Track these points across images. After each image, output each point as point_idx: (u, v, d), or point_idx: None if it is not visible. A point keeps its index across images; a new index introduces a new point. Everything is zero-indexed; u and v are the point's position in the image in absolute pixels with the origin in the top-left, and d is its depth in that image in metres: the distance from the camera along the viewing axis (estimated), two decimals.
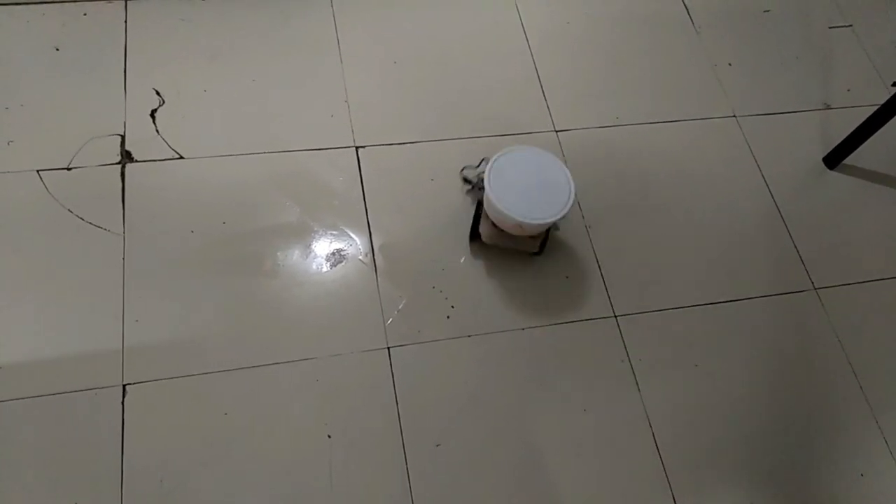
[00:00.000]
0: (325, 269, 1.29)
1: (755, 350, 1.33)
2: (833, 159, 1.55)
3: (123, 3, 1.49)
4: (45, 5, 1.46)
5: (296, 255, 1.29)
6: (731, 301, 1.37)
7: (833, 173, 1.55)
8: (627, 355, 1.29)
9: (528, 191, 1.22)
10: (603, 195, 1.44)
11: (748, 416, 1.27)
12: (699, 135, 1.55)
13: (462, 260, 1.32)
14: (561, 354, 1.27)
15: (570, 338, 1.29)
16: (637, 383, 1.27)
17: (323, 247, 1.31)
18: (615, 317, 1.32)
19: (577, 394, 1.24)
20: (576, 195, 1.22)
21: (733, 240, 1.44)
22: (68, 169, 1.30)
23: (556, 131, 1.49)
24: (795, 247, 1.45)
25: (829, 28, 1.77)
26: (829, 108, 1.64)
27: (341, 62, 1.51)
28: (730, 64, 1.66)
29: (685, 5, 1.74)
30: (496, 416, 1.20)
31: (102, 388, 1.13)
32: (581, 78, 1.58)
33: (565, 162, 1.26)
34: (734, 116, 1.59)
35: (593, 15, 1.68)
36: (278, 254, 1.29)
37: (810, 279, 1.42)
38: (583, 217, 1.40)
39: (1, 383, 1.12)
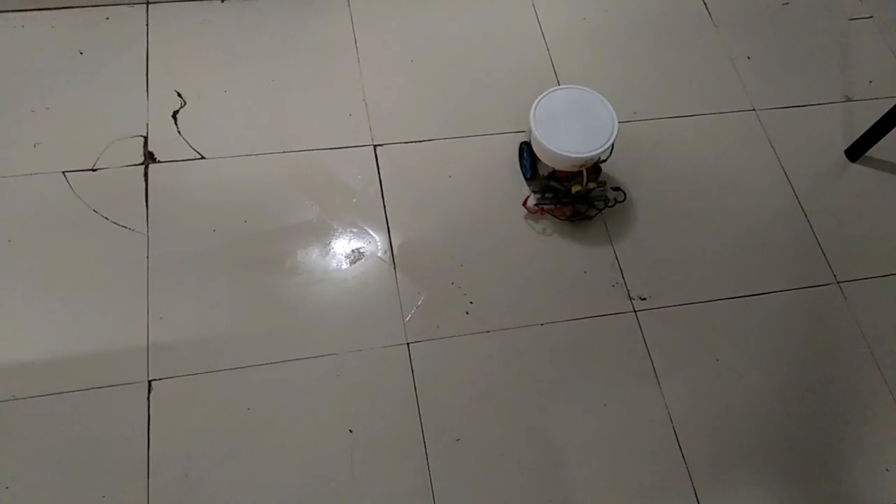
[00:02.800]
0: (344, 267, 1.30)
1: (777, 344, 1.32)
2: (855, 152, 1.53)
3: (145, 6, 1.52)
4: (68, 10, 1.49)
5: (315, 252, 1.31)
6: (752, 295, 1.36)
7: (855, 166, 1.54)
8: (647, 350, 1.29)
9: (571, 127, 1.30)
10: (622, 188, 1.43)
11: (771, 410, 1.26)
12: (718, 129, 1.54)
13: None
14: (580, 349, 1.27)
15: (589, 333, 1.29)
16: (657, 378, 1.26)
17: (342, 244, 1.32)
18: (634, 311, 1.32)
19: (597, 389, 1.24)
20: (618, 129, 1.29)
21: (754, 234, 1.43)
22: (93, 170, 1.33)
23: None
24: (818, 240, 1.44)
25: (850, 20, 1.75)
26: (850, 100, 1.62)
27: (359, 62, 1.52)
28: (749, 57, 1.65)
29: (703, 0, 1.73)
30: (516, 410, 1.21)
31: (128, 384, 1.15)
32: (598, 73, 1.58)
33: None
34: (753, 110, 1.58)
35: (610, 10, 1.67)
36: (298, 252, 1.30)
37: (833, 273, 1.40)
38: (601, 212, 1.40)
39: (29, 380, 1.14)
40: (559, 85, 1.51)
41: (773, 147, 1.53)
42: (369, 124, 1.44)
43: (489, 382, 1.23)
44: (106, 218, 1.28)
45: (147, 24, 1.50)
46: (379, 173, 1.39)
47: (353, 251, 1.32)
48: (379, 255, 1.32)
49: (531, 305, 1.30)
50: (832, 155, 1.55)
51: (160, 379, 1.16)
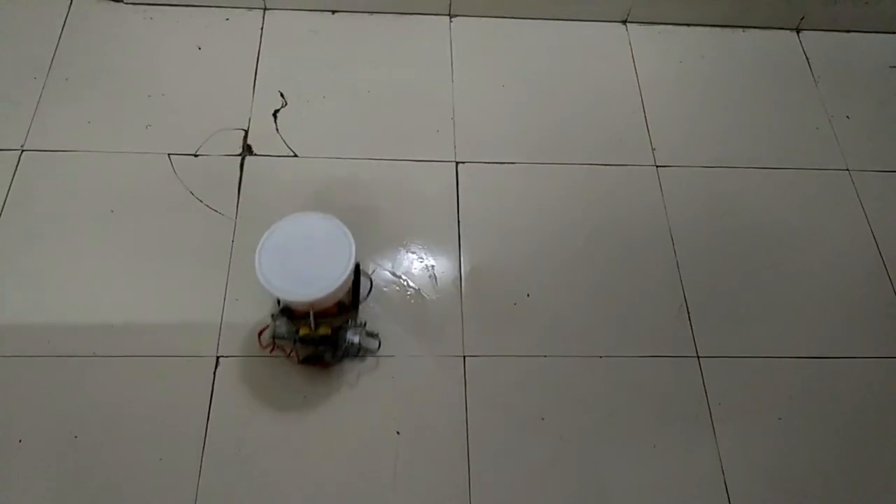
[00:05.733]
0: (413, 275, 1.34)
1: (846, 412, 1.27)
2: None
3: (262, 11, 1.63)
4: (193, 8, 1.61)
5: (387, 258, 1.35)
6: (824, 358, 1.31)
7: None
8: (706, 398, 1.26)
9: (302, 260, 1.10)
10: (698, 234, 1.42)
11: (829, 479, 1.21)
12: (807, 185, 1.51)
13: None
14: (636, 387, 1.26)
15: (647, 372, 1.27)
16: (714, 427, 1.23)
17: (414, 253, 1.36)
18: (698, 357, 1.29)
19: (649, 428, 1.22)
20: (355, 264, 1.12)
21: (834, 296, 1.38)
22: (195, 155, 1.42)
23: (657, 166, 1.49)
24: None
25: None
26: None
27: (452, 82, 1.57)
28: (848, 117, 1.61)
29: (805, 54, 1.70)
30: (562, 438, 1.20)
31: (198, 357, 1.22)
32: (688, 116, 1.58)
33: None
34: (847, 170, 1.53)
35: (708, 56, 1.67)
36: (372, 255, 1.35)
37: None
38: (675, 253, 1.39)
39: (110, 340, 1.22)
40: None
41: (864, 210, 1.48)
42: (454, 141, 1.49)
43: (539, 406, 1.23)
44: (200, 200, 1.37)
45: (262, 28, 1.60)
46: (458, 189, 1.43)
47: (423, 261, 1.35)
48: (448, 267, 1.35)
49: (592, 337, 1.30)
50: None
51: (227, 356, 1.22)
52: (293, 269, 1.09)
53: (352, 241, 1.12)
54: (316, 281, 1.08)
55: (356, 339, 1.18)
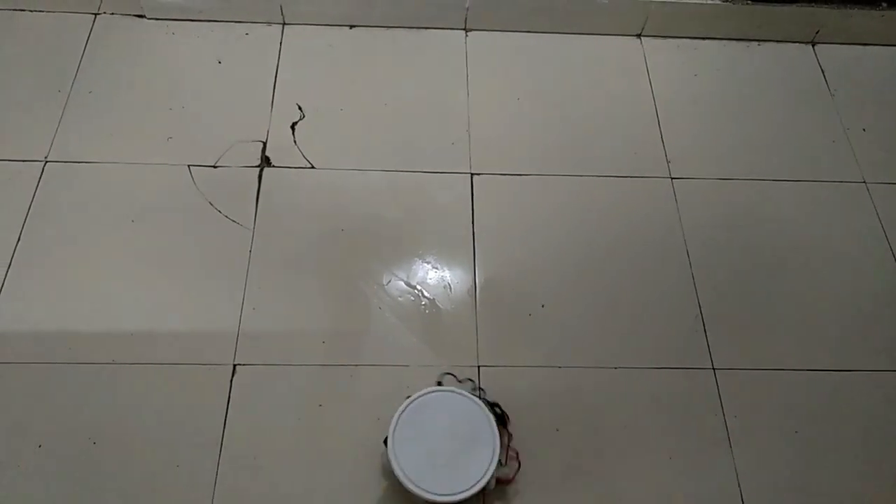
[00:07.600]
0: (428, 285, 1.34)
1: (864, 425, 1.25)
2: None
3: (281, 26, 1.66)
4: (213, 23, 1.65)
5: (402, 268, 1.36)
6: (842, 371, 1.30)
7: None
8: (722, 410, 1.25)
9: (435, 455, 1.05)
10: (713, 246, 1.42)
11: (847, 494, 1.19)
12: (823, 198, 1.50)
13: None
14: (651, 398, 1.25)
15: (662, 383, 1.27)
16: (730, 440, 1.22)
17: (428, 264, 1.37)
18: (713, 369, 1.29)
19: (664, 441, 1.22)
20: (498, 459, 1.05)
21: (851, 308, 1.37)
22: (214, 167, 1.44)
23: (672, 178, 1.49)
24: None
25: None
26: None
27: (468, 95, 1.59)
28: (864, 130, 1.60)
29: (821, 68, 1.70)
30: (577, 450, 1.20)
31: (216, 364, 1.23)
32: (702, 129, 1.58)
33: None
34: (864, 183, 1.53)
35: (723, 69, 1.68)
36: (387, 264, 1.36)
37: None
38: (690, 265, 1.39)
39: (129, 348, 1.24)
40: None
41: (881, 223, 1.47)
42: (469, 153, 1.50)
43: (553, 418, 1.23)
44: (219, 211, 1.39)
45: (280, 42, 1.63)
46: (472, 200, 1.44)
47: (438, 271, 1.36)
48: (463, 278, 1.35)
49: (607, 349, 1.30)
50: None
51: (244, 364, 1.23)
52: (452, 459, 1.04)
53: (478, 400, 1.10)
54: (479, 447, 1.05)
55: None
